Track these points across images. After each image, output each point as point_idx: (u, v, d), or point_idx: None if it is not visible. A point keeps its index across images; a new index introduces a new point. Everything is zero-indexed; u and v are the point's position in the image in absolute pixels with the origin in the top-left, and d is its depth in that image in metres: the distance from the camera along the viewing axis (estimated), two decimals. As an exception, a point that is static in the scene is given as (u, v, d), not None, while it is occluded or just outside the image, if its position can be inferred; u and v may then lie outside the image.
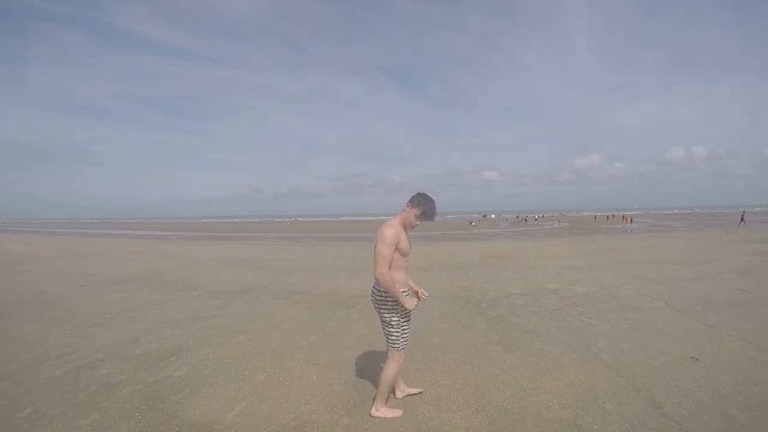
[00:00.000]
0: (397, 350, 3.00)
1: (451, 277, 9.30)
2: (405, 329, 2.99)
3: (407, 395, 3.40)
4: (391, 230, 2.84)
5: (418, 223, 2.93)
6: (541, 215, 78.80)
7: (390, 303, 2.94)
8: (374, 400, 3.15)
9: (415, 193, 2.97)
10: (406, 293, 2.96)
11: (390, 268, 2.84)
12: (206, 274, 10.60)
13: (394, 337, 2.98)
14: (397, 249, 2.86)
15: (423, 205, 2.88)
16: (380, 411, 3.08)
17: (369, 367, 4.08)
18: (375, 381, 3.70)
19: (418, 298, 3.13)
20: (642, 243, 17.53)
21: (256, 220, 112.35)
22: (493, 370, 3.93)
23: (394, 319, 2.96)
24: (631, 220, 50.47)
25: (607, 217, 59.30)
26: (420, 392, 3.47)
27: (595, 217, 69.28)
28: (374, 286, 3.02)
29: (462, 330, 5.30)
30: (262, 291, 8.05)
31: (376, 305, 3.02)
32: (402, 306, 2.91)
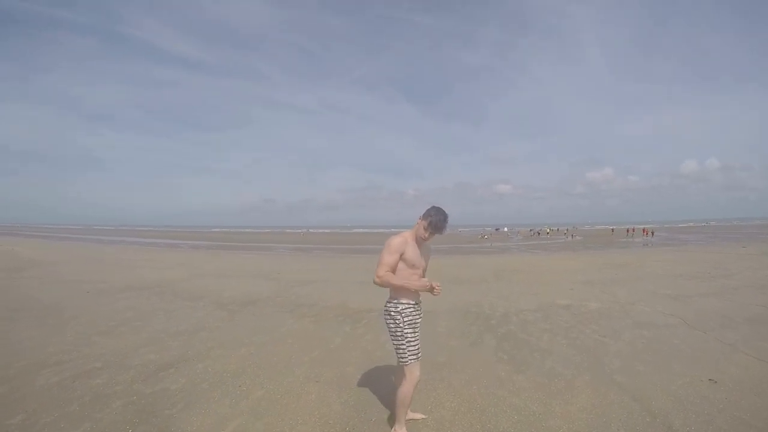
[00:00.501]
0: (407, 365, 2.88)
1: (461, 291, 9.11)
2: (411, 341, 2.88)
3: (410, 419, 3.24)
4: (398, 239, 2.86)
5: (426, 235, 2.88)
6: (555, 229, 77.82)
7: (392, 313, 2.91)
8: (393, 421, 3.10)
9: (429, 206, 2.97)
10: (412, 309, 2.92)
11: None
12: (214, 284, 10.52)
13: (401, 351, 2.88)
14: (403, 259, 2.84)
15: (431, 216, 2.86)
16: None
17: (372, 386, 3.92)
18: (377, 402, 3.57)
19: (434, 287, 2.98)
20: (656, 257, 17.13)
21: (267, 230, 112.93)
22: (501, 392, 3.75)
23: (398, 330, 2.88)
24: (652, 234, 48.21)
25: (627, 231, 56.50)
26: (423, 418, 3.31)
27: (613, 230, 67.02)
28: (386, 301, 3.01)
29: (470, 347, 5.12)
30: (269, 303, 7.94)
31: (385, 319, 2.99)
32: (407, 317, 2.87)
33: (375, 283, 2.83)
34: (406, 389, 2.89)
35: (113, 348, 5.02)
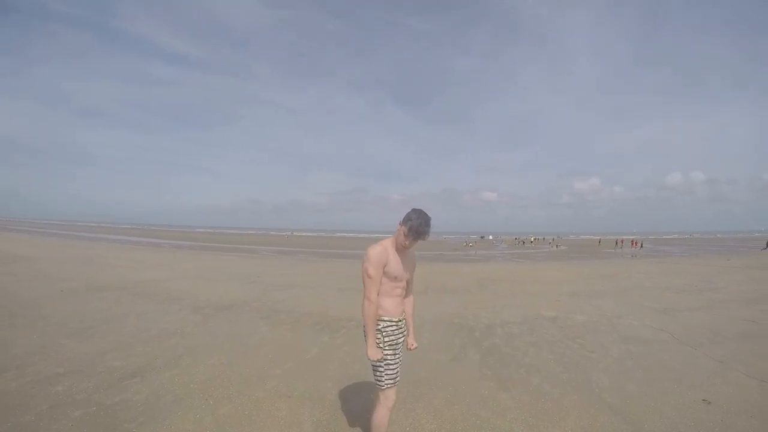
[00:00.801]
0: (382, 390, 2.60)
1: (444, 301, 8.88)
2: (390, 363, 2.58)
3: None
4: (378, 249, 2.54)
5: (407, 242, 2.55)
6: (539, 238, 78.06)
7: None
8: None
9: (410, 209, 2.63)
10: (394, 327, 2.62)
11: (378, 294, 2.55)
12: (192, 286, 10.17)
13: (378, 374, 2.59)
14: (384, 272, 2.54)
15: (411, 220, 2.52)
16: None
17: (348, 403, 3.67)
18: (352, 421, 3.32)
19: (407, 347, 2.82)
20: (642, 269, 17.06)
21: (252, 232, 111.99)
22: (485, 412, 3.51)
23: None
24: (641, 245, 47.40)
25: (616, 242, 55.19)
26: None
27: (600, 241, 66.02)
28: None
29: (452, 362, 4.88)
30: (246, 308, 7.65)
31: (364, 334, 2.69)
32: (387, 337, 2.58)
33: (365, 308, 2.51)
34: (381, 415, 2.63)
35: (79, 352, 4.75)
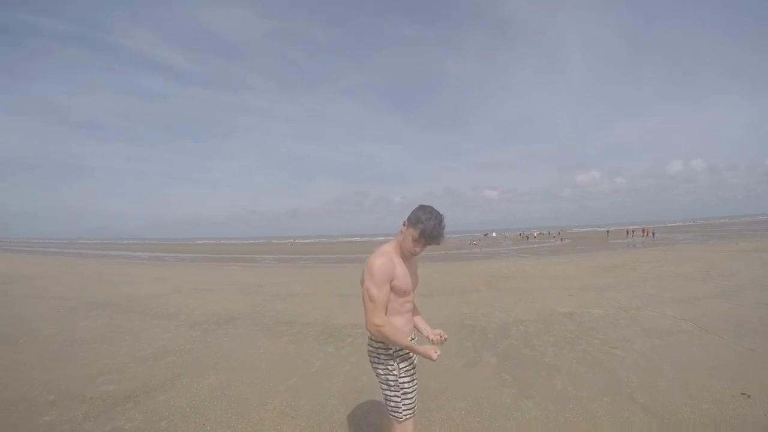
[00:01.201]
0: (399, 421, 2.16)
1: (452, 303, 8.51)
2: (408, 392, 2.16)
3: None
4: (380, 260, 2.05)
5: (417, 249, 2.11)
6: (543, 232, 77.48)
7: (383, 356, 2.18)
8: None
9: (417, 206, 2.16)
10: (405, 352, 2.19)
11: (386, 313, 2.07)
12: (191, 300, 9.81)
13: (393, 404, 2.16)
14: (391, 287, 2.08)
15: (423, 222, 2.04)
16: None
17: (355, 424, 3.33)
18: None
19: (436, 341, 2.33)
20: (650, 257, 16.64)
21: (253, 241, 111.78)
22: (508, 424, 3.18)
23: (390, 378, 2.16)
24: (653, 234, 45.61)
25: (627, 232, 53.47)
26: None
27: (608, 232, 63.66)
28: (369, 337, 2.24)
29: (467, 368, 4.53)
30: (247, 320, 7.32)
31: (370, 359, 2.27)
32: (403, 362, 2.17)
33: (371, 334, 2.11)
34: None
35: (70, 376, 4.45)
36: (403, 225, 2.15)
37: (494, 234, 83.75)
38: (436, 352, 2.08)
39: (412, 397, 2.18)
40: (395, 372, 2.14)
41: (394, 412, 2.16)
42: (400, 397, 2.15)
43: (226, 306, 8.78)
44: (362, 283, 2.07)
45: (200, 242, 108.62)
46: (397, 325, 2.10)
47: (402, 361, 2.16)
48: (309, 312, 7.94)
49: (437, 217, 2.07)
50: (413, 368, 2.22)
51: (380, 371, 2.19)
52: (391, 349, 2.15)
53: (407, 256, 2.17)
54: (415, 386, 2.22)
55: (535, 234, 65.34)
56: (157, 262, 29.56)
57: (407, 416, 2.16)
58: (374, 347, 2.20)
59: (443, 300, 8.86)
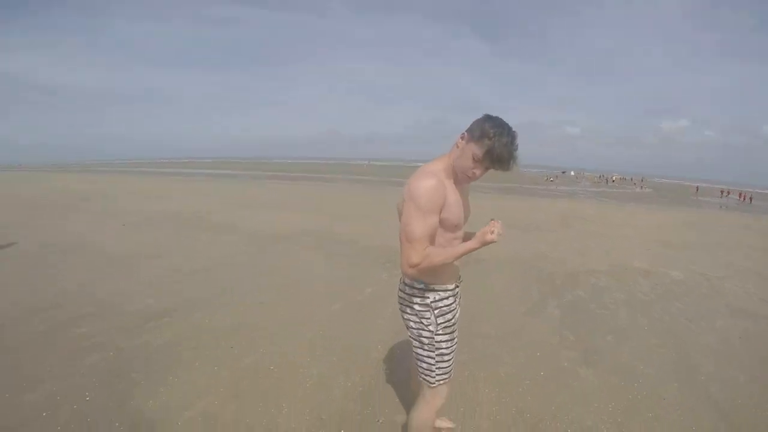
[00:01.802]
0: (432, 386, 1.75)
1: (525, 239, 7.93)
2: (445, 353, 1.72)
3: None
4: (429, 183, 1.50)
5: (477, 171, 1.55)
6: (623, 177, 72.13)
7: (417, 306, 1.69)
8: None
9: (481, 115, 1.56)
10: (451, 300, 1.72)
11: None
12: (251, 216, 9.99)
13: (425, 365, 1.73)
14: (440, 219, 1.56)
15: (492, 138, 1.46)
16: None
17: (391, 370, 2.94)
18: (392, 396, 2.63)
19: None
20: (745, 222, 14.43)
21: (331, 162, 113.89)
22: (561, 396, 2.66)
23: (424, 335, 1.70)
24: (750, 199, 38.86)
25: (722, 192, 46.81)
26: (451, 428, 2.18)
27: (698, 188, 57.45)
28: (401, 279, 1.79)
29: (527, 317, 4.05)
30: (305, 239, 7.27)
31: (400, 308, 1.80)
32: (442, 315, 1.70)
33: (407, 276, 1.64)
34: (424, 417, 1.81)
35: (116, 290, 4.47)
36: (461, 138, 1.57)
37: (572, 173, 79.53)
38: (492, 233, 1.47)
39: (448, 360, 1.74)
40: (431, 327, 1.68)
41: (426, 375, 1.74)
42: (434, 358, 1.71)
43: (289, 224, 8.86)
44: (400, 212, 1.59)
45: (276, 161, 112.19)
46: (440, 270, 1.62)
47: (439, 316, 1.69)
48: (370, 235, 7.76)
49: (510, 134, 1.49)
50: (453, 327, 1.75)
51: (412, 324, 1.73)
52: (428, 297, 1.67)
53: (461, 180, 1.62)
54: (454, 347, 1.76)
55: (614, 178, 61.14)
56: (233, 178, 30.66)
57: (441, 381, 1.74)
58: (407, 294, 1.72)
59: (515, 234, 8.25)
